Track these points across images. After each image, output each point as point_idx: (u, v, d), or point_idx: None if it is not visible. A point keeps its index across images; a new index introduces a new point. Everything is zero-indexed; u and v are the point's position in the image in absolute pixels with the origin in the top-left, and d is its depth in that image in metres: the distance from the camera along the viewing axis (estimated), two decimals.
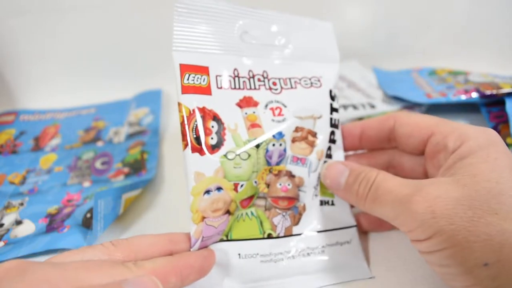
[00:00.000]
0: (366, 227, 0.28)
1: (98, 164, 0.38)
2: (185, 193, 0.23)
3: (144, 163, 0.37)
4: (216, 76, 0.25)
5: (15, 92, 0.49)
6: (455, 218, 0.18)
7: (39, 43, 0.48)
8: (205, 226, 0.23)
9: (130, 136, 0.42)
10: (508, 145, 0.33)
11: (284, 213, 0.25)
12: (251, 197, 0.25)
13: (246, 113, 0.25)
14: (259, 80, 0.26)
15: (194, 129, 0.23)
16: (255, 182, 0.25)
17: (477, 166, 0.20)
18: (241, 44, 0.26)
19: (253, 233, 0.25)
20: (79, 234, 0.28)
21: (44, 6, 0.45)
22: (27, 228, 0.30)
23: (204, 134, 0.23)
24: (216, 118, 0.24)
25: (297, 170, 0.26)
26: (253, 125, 0.25)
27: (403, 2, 0.51)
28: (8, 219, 0.31)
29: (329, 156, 0.27)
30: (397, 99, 0.42)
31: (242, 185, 0.24)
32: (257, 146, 0.25)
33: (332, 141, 0.27)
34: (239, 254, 0.24)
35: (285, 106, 0.26)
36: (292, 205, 0.26)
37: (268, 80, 0.27)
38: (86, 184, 0.35)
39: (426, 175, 0.26)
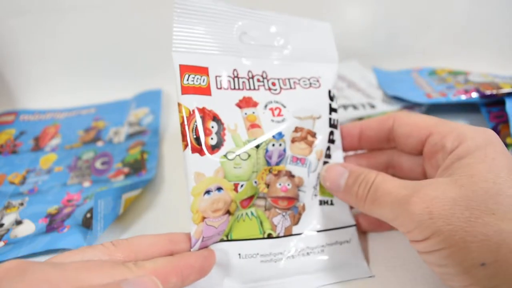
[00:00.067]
0: (366, 227, 0.28)
1: (98, 164, 0.38)
2: (185, 193, 0.23)
3: (144, 163, 0.37)
4: (216, 76, 0.25)
5: (15, 92, 0.49)
6: (452, 218, 0.19)
7: (39, 43, 0.48)
8: (206, 226, 0.23)
9: (130, 136, 0.42)
10: (508, 145, 0.33)
11: (284, 213, 0.25)
12: (251, 197, 0.25)
13: (245, 114, 0.25)
14: (258, 80, 0.26)
15: (194, 130, 0.23)
16: (255, 182, 0.25)
17: (474, 166, 0.20)
18: (240, 45, 0.26)
19: (253, 233, 0.25)
20: (79, 234, 0.28)
21: (44, 6, 0.45)
22: (27, 228, 0.30)
23: (204, 135, 0.23)
24: (216, 118, 0.24)
25: (296, 170, 0.26)
26: (253, 125, 0.25)
27: (403, 2, 0.51)
28: (8, 219, 0.31)
29: (328, 156, 0.27)
30: (397, 99, 0.42)
31: (242, 185, 0.24)
32: (257, 146, 0.25)
33: (331, 141, 0.28)
34: (239, 254, 0.24)
35: (284, 107, 0.26)
36: (291, 205, 0.26)
37: (268, 81, 0.27)
38: (86, 184, 0.35)
39: (424, 175, 0.26)
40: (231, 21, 0.26)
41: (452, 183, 0.20)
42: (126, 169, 0.36)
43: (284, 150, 0.26)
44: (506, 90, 0.36)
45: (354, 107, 0.41)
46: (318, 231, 0.26)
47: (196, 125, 0.23)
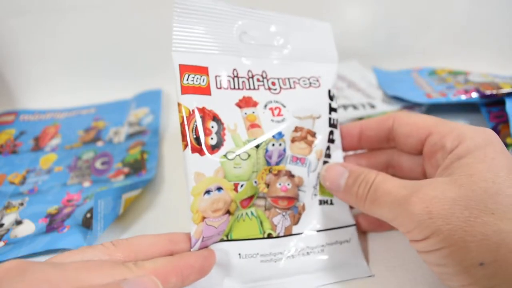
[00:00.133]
0: (366, 227, 0.28)
1: (98, 164, 0.38)
2: (185, 193, 0.23)
3: (144, 163, 0.37)
4: (216, 76, 0.25)
5: (15, 92, 0.49)
6: (452, 218, 0.19)
7: (39, 43, 0.48)
8: (206, 226, 0.23)
9: (130, 136, 0.42)
10: (507, 145, 0.33)
11: (284, 213, 0.25)
12: (251, 197, 0.25)
13: (245, 113, 0.25)
14: (258, 80, 0.26)
15: (194, 130, 0.23)
16: (255, 182, 0.25)
17: (474, 166, 0.20)
18: (240, 45, 0.26)
19: (253, 233, 0.25)
20: (79, 234, 0.28)
21: (44, 6, 0.45)
22: (27, 228, 0.30)
23: (204, 135, 0.23)
24: (215, 118, 0.24)
25: (296, 170, 0.26)
26: (253, 125, 0.25)
27: (403, 2, 0.51)
28: (8, 219, 0.31)
29: (328, 155, 0.27)
30: (397, 99, 0.42)
31: (242, 185, 0.24)
32: (257, 146, 0.25)
33: (331, 141, 0.28)
34: (239, 254, 0.24)
35: (284, 106, 0.26)
36: (291, 205, 0.26)
37: (267, 80, 0.27)
38: (86, 184, 0.35)
39: (424, 175, 0.26)
40: (231, 20, 0.26)
41: (452, 183, 0.20)
42: (126, 169, 0.36)
43: (284, 150, 0.26)
44: (506, 90, 0.36)
45: (354, 107, 0.41)
46: (318, 231, 0.26)
47: (196, 125, 0.23)
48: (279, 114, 0.26)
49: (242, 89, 0.26)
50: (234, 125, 0.25)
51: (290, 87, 0.27)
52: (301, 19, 0.28)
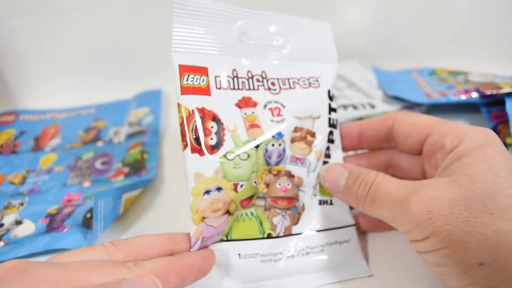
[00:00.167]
0: (365, 227, 0.28)
1: (98, 164, 0.38)
2: (185, 194, 0.23)
3: (144, 163, 0.37)
4: (215, 76, 0.25)
5: (15, 92, 0.49)
6: (451, 218, 0.19)
7: (39, 43, 0.48)
8: (205, 226, 0.23)
9: (130, 136, 0.42)
10: (507, 145, 0.33)
11: (283, 213, 0.25)
12: (250, 197, 0.25)
13: (245, 114, 0.25)
14: (257, 80, 0.26)
15: (193, 130, 0.23)
16: (255, 182, 0.25)
17: (473, 166, 0.20)
18: (239, 45, 0.26)
19: (253, 233, 0.25)
20: (79, 234, 0.28)
21: (44, 6, 0.45)
22: (27, 228, 0.30)
23: (204, 135, 0.23)
24: (215, 118, 0.24)
25: (296, 170, 0.26)
26: (252, 125, 0.25)
27: (403, 2, 0.51)
28: (8, 219, 0.31)
29: (327, 156, 0.27)
30: (397, 99, 0.42)
31: (241, 185, 0.24)
32: (257, 146, 0.25)
33: (331, 141, 0.28)
34: (239, 254, 0.24)
35: (284, 107, 0.26)
36: (291, 205, 0.26)
37: (267, 81, 0.27)
38: (86, 184, 0.35)
39: (424, 175, 0.26)
40: (230, 21, 0.26)
41: (451, 183, 0.20)
42: (126, 169, 0.36)
43: (284, 150, 0.26)
44: (506, 90, 0.36)
45: (354, 107, 0.41)
46: (318, 231, 0.26)
47: (196, 125, 0.23)
48: (278, 114, 0.26)
49: (242, 89, 0.26)
50: (233, 125, 0.25)
51: (290, 87, 0.27)
52: (300, 19, 0.28)
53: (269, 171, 0.25)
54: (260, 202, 0.25)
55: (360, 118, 0.40)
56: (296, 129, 0.26)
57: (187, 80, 0.24)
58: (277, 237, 0.25)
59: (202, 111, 0.24)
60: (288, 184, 0.26)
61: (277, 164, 0.25)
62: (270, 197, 0.25)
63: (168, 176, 0.37)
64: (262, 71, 0.27)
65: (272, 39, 0.27)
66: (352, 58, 0.52)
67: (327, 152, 0.27)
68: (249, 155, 0.24)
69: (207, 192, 0.23)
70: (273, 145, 0.25)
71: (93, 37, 0.49)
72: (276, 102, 0.26)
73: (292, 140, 0.26)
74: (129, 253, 0.21)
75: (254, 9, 0.27)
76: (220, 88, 0.25)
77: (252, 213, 0.25)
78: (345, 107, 0.41)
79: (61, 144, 0.42)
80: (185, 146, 0.23)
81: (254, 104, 0.26)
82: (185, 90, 0.24)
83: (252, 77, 0.26)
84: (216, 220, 0.23)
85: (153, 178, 0.35)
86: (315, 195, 0.27)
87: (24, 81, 0.49)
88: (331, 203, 0.27)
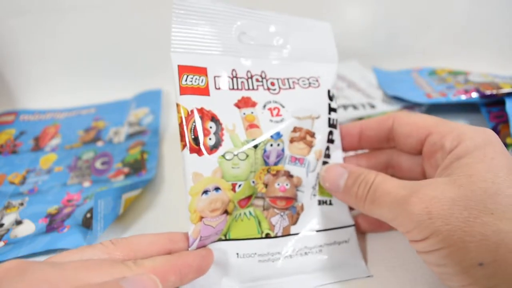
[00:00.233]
0: (366, 228, 0.28)
1: (98, 164, 0.38)
2: (184, 193, 0.23)
3: (144, 163, 0.37)
4: (214, 77, 0.25)
5: (15, 92, 0.49)
6: (451, 218, 0.19)
7: (39, 43, 0.48)
8: (203, 226, 0.23)
9: (130, 136, 0.42)
10: (507, 145, 0.33)
11: (282, 213, 0.25)
12: (249, 197, 0.25)
13: (244, 114, 0.25)
14: (257, 80, 0.26)
15: (192, 130, 0.23)
16: (253, 182, 0.25)
17: (473, 166, 0.20)
18: (239, 45, 0.26)
19: (251, 232, 0.25)
20: (79, 234, 0.28)
21: (44, 6, 0.45)
22: (27, 228, 0.30)
23: (202, 135, 0.23)
24: (214, 118, 0.24)
25: (295, 170, 0.26)
26: (251, 125, 0.25)
27: (403, 2, 0.51)
28: (8, 219, 0.31)
29: (327, 156, 0.27)
30: (397, 99, 0.42)
31: (240, 185, 0.24)
32: (255, 146, 0.25)
33: (330, 141, 0.28)
34: (237, 254, 0.24)
35: (283, 107, 0.26)
36: (290, 205, 0.26)
37: (267, 81, 0.27)
38: (86, 184, 0.35)
39: (424, 175, 0.26)
40: (229, 21, 0.26)
41: (451, 183, 0.20)
42: (126, 169, 0.36)
43: (283, 150, 0.26)
44: (506, 90, 0.36)
45: (354, 107, 0.41)
46: (317, 231, 0.26)
47: (195, 125, 0.23)
48: (278, 114, 0.26)
49: (241, 89, 0.26)
50: (232, 125, 0.25)
51: (290, 87, 0.27)
52: (300, 19, 0.28)
53: (268, 171, 0.25)
54: (259, 202, 0.25)
55: (360, 118, 0.40)
56: (295, 129, 0.26)
57: (186, 80, 0.24)
58: (275, 237, 0.25)
59: (201, 111, 0.24)
60: (286, 184, 0.26)
61: (276, 164, 0.25)
62: (269, 197, 0.25)
63: (168, 176, 0.37)
64: (261, 71, 0.27)
65: (272, 39, 0.27)
66: (352, 58, 0.52)
67: (327, 152, 0.27)
68: (247, 155, 0.24)
69: (205, 192, 0.23)
70: (271, 145, 0.25)
71: (93, 37, 0.49)
72: (276, 102, 0.26)
73: (291, 140, 0.26)
74: (128, 251, 0.21)
75: (254, 9, 0.27)
76: (219, 88, 0.25)
77: (250, 213, 0.25)
78: (345, 107, 0.41)
79: (61, 144, 0.42)
80: (184, 146, 0.23)
81: (253, 104, 0.26)
82: (184, 91, 0.24)
83: (251, 77, 0.26)
84: (214, 220, 0.23)
85: (153, 178, 0.35)
86: (314, 195, 0.27)
87: (24, 81, 0.49)
88: (330, 203, 0.27)
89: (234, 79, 0.26)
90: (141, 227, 0.31)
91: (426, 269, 0.25)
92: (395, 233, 0.28)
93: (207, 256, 0.23)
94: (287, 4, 0.42)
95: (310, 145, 0.26)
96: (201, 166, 0.23)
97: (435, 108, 0.41)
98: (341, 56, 0.29)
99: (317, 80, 0.28)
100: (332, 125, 0.28)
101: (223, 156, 0.24)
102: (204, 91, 0.24)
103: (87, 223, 0.29)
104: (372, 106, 0.42)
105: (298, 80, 0.27)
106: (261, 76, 0.27)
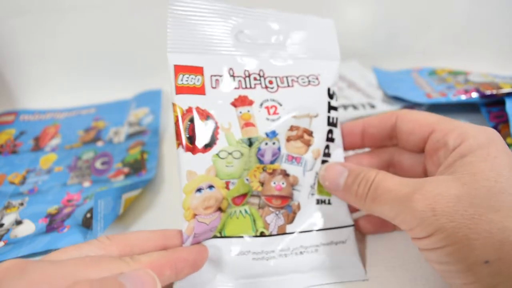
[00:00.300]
0: (368, 229, 0.28)
1: (98, 164, 0.38)
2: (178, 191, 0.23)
3: (144, 163, 0.37)
4: (211, 76, 0.25)
5: (15, 92, 0.49)
6: (456, 215, 0.18)
7: (39, 43, 0.48)
8: (197, 223, 0.23)
9: (130, 136, 0.42)
10: (508, 145, 0.33)
11: (277, 212, 0.25)
12: (244, 195, 0.25)
13: (240, 112, 0.25)
14: (255, 79, 0.26)
15: (187, 129, 0.23)
16: (247, 179, 0.25)
17: (476, 165, 0.20)
18: (236, 44, 0.26)
19: (246, 230, 0.25)
20: (79, 234, 0.28)
21: (44, 6, 0.45)
22: (27, 228, 0.30)
23: (197, 134, 0.24)
24: (209, 117, 0.24)
25: (291, 169, 0.26)
26: (247, 124, 0.25)
27: (403, 2, 0.51)
28: (8, 219, 0.31)
29: (327, 155, 0.27)
30: (397, 99, 0.42)
31: (233, 183, 0.24)
32: (250, 145, 0.25)
33: (330, 139, 0.27)
34: (231, 251, 0.24)
35: (280, 105, 0.26)
36: (285, 204, 0.26)
37: (265, 79, 0.26)
38: (86, 184, 0.35)
39: (425, 174, 0.26)
40: (226, 20, 0.26)
41: (455, 181, 0.20)
42: (126, 169, 0.36)
43: (279, 149, 0.26)
44: (506, 90, 0.36)
45: (354, 107, 0.41)
46: (313, 231, 0.26)
47: (189, 124, 0.24)
48: (274, 113, 0.26)
49: (238, 88, 0.26)
50: (228, 124, 0.25)
51: (288, 86, 0.27)
52: (301, 16, 0.28)
53: (264, 169, 0.25)
54: (254, 200, 0.25)
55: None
56: (292, 128, 0.26)
57: (181, 80, 0.24)
58: (270, 235, 0.25)
59: (196, 110, 0.24)
60: (283, 183, 0.25)
61: (272, 162, 0.25)
62: (265, 195, 0.25)
63: (168, 176, 0.37)
64: (259, 69, 0.27)
65: (270, 37, 0.27)
66: (352, 58, 0.52)
67: (327, 151, 0.27)
68: (242, 154, 0.24)
69: (199, 189, 0.23)
70: (266, 143, 0.25)
71: (93, 37, 0.49)
72: (273, 100, 0.26)
73: (288, 139, 0.26)
74: (124, 247, 0.21)
75: (251, 8, 0.27)
76: (215, 87, 0.25)
77: (246, 211, 0.25)
78: (345, 107, 0.41)
79: (61, 144, 0.42)
80: (179, 144, 0.23)
81: (250, 103, 0.26)
82: (179, 90, 0.24)
83: (249, 76, 0.26)
84: (207, 217, 0.23)
85: (153, 178, 0.35)
86: (312, 194, 0.27)
87: (24, 81, 0.49)
88: (329, 203, 0.27)
89: (231, 78, 0.26)
90: (141, 227, 0.31)
91: (426, 269, 0.25)
92: (395, 234, 0.28)
93: (202, 251, 0.23)
94: (287, 4, 0.42)
95: (308, 144, 0.26)
96: (195, 164, 0.23)
97: (435, 108, 0.41)
98: (341, 56, 0.29)
99: (317, 78, 0.28)
100: (331, 123, 0.27)
101: (217, 154, 0.24)
102: (199, 90, 0.24)
103: (87, 223, 0.29)
104: (372, 106, 0.42)
105: (297, 78, 0.27)
106: (259, 74, 0.26)
